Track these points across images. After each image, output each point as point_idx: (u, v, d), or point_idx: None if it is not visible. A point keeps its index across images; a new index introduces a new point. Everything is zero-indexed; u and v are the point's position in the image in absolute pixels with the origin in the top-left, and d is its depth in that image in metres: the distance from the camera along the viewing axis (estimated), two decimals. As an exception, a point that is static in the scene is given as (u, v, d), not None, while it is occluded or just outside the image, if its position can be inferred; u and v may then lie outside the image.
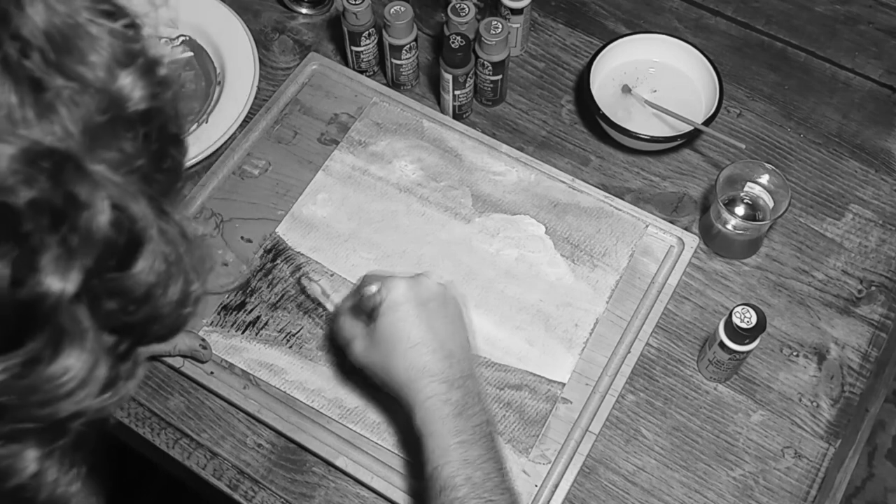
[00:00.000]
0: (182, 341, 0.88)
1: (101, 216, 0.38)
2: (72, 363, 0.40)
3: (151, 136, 0.42)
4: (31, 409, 0.40)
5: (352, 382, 0.88)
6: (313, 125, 1.03)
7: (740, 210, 0.94)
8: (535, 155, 1.01)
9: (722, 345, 0.83)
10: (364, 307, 0.79)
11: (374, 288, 0.79)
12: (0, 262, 0.37)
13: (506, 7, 1.02)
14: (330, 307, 0.91)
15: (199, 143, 1.00)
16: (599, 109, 0.98)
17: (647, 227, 0.96)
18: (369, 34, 1.02)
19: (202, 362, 0.90)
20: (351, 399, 0.87)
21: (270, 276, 0.94)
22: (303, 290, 0.93)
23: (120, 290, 0.41)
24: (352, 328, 0.81)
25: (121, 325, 0.42)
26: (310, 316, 0.92)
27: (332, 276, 0.93)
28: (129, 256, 0.41)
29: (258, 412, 0.87)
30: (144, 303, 0.42)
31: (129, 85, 0.41)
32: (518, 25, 1.04)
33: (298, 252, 0.95)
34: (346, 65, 1.07)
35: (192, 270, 0.44)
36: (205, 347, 0.89)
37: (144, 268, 0.41)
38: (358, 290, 0.81)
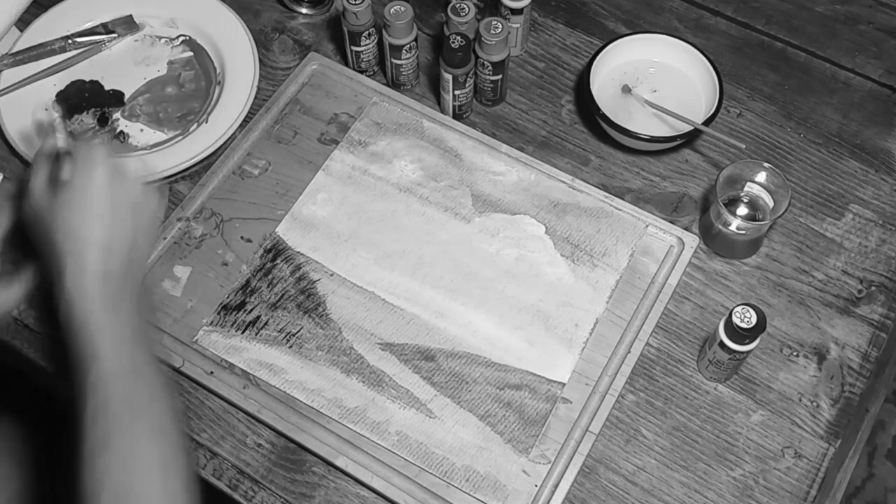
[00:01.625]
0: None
1: None
2: None
3: None
4: None
5: (352, 382, 0.88)
6: (313, 125, 1.03)
7: (740, 210, 0.94)
8: (535, 155, 1.01)
9: (722, 345, 0.83)
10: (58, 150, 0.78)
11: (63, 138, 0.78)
12: None
13: (506, 7, 1.02)
14: (61, 142, 0.80)
15: (199, 143, 1.01)
16: (599, 109, 0.98)
17: (647, 227, 0.96)
18: (369, 34, 1.02)
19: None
20: (351, 399, 0.87)
21: (270, 276, 0.94)
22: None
23: None
24: (40, 173, 0.78)
25: None
26: (310, 316, 0.92)
27: (332, 275, 0.93)
28: None
29: (258, 412, 0.87)
30: None
31: None
32: (518, 25, 1.04)
33: (298, 252, 0.95)
34: (346, 65, 1.07)
35: None
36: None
37: None
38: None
